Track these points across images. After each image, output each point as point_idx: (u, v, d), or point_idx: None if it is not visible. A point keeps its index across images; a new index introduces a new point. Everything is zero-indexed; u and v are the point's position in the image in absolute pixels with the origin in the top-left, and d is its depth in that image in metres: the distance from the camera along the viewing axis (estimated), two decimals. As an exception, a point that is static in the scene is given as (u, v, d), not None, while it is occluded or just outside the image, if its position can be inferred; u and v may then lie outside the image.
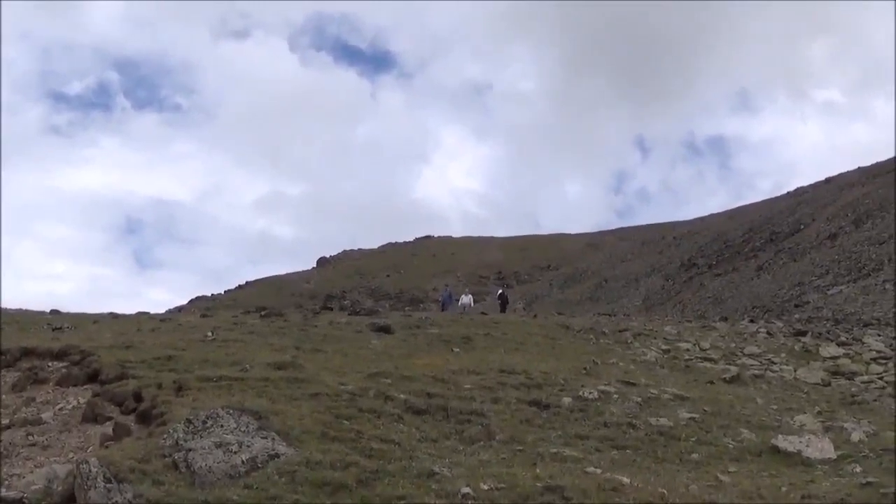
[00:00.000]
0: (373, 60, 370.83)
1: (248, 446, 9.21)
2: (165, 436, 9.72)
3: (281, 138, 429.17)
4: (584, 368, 17.99)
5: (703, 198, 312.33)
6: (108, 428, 12.04)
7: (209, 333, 20.15)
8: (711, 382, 18.11)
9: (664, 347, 22.54)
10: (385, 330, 22.37)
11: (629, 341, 23.45)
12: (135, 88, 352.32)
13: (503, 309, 41.13)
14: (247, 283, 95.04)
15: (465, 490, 8.65)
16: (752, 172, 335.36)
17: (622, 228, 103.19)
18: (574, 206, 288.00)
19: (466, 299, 42.87)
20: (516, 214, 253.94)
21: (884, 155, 72.66)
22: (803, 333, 24.53)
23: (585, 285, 71.39)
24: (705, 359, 21.29)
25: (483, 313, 34.99)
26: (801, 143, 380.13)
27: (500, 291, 44.25)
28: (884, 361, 20.73)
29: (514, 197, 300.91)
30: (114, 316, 28.08)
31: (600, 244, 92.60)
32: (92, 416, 12.76)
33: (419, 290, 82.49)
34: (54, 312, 28.69)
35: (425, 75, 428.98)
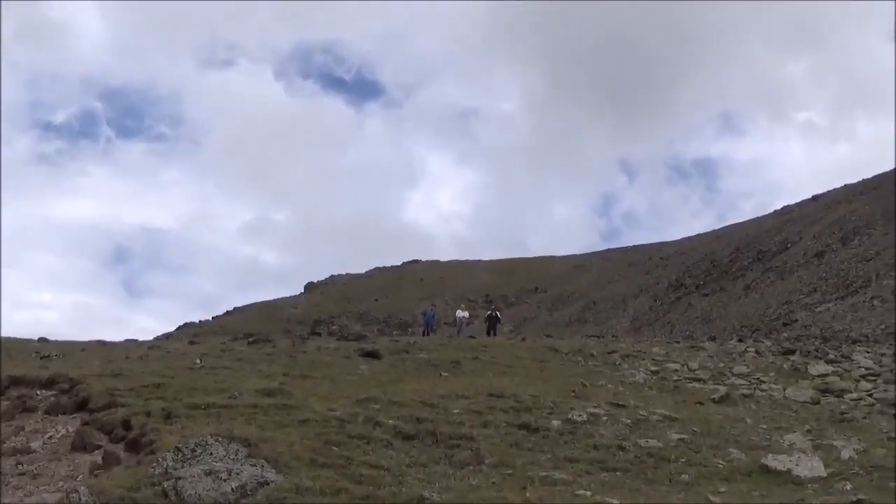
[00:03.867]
0: (359, 88, 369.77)
1: (238, 474, 9.22)
2: (155, 464, 9.73)
3: (267, 166, 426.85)
4: (573, 391, 18.02)
5: (689, 220, 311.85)
6: (97, 456, 12.04)
7: (197, 361, 20.12)
8: (700, 403, 18.15)
9: (653, 368, 22.57)
10: (373, 355, 22.36)
11: (617, 363, 23.45)
12: (122, 118, 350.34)
13: (491, 331, 40.74)
14: (234, 308, 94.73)
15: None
16: (736, 194, 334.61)
17: (609, 250, 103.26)
18: (560, 228, 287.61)
19: (462, 315, 42.63)
20: (503, 237, 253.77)
21: (866, 174, 73.00)
22: (792, 352, 24.60)
23: (573, 307, 71.49)
24: (694, 379, 21.31)
25: (471, 337, 35.00)
26: (783, 164, 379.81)
27: (488, 313, 43.39)
28: (873, 378, 20.76)
29: (500, 220, 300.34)
30: (102, 344, 28.04)
31: (587, 266, 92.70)
32: (81, 445, 12.75)
33: (407, 314, 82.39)
34: (42, 340, 28.60)
35: (411, 102, 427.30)
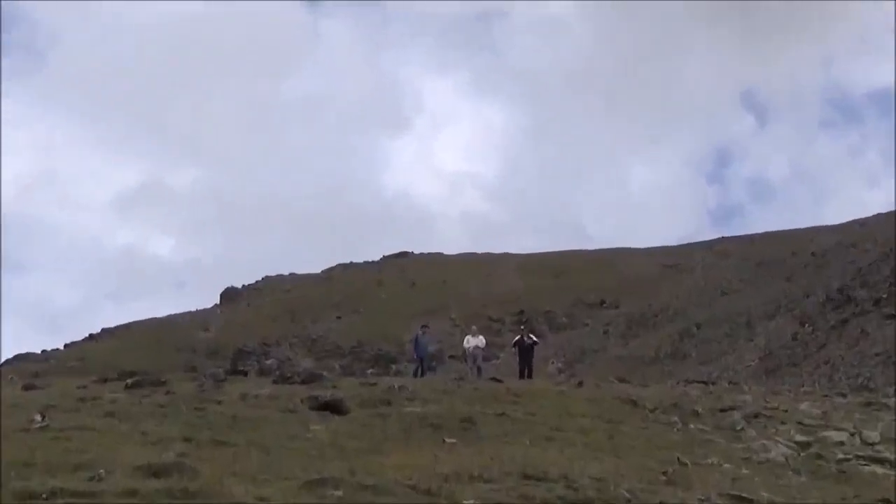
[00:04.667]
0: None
1: None
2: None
3: (161, 98, 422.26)
4: (664, 473, 18.01)
5: (861, 191, 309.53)
6: None
7: (38, 417, 20.12)
8: (887, 501, 18.08)
9: (800, 439, 22.55)
10: (334, 408, 22.42)
11: (739, 428, 23.47)
12: None
13: (525, 369, 41.15)
14: (103, 331, 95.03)
15: None
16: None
17: (723, 240, 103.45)
18: (642, 203, 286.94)
19: (475, 342, 42.43)
20: (547, 217, 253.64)
21: None
22: None
23: (663, 333, 71.47)
24: (873, 459, 21.25)
25: (495, 379, 34.94)
26: None
27: (517, 338, 43.18)
28: None
29: (542, 189, 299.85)
30: None
31: (687, 265, 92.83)
32: None
33: (389, 340, 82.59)
34: None
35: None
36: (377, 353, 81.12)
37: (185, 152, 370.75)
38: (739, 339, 62.75)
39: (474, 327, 47.98)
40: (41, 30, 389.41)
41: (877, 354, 49.09)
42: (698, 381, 37.01)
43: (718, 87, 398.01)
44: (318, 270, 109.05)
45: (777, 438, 22.40)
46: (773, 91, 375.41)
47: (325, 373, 37.78)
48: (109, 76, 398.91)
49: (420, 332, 45.12)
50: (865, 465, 20.84)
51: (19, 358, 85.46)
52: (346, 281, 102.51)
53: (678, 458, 19.40)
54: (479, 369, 40.85)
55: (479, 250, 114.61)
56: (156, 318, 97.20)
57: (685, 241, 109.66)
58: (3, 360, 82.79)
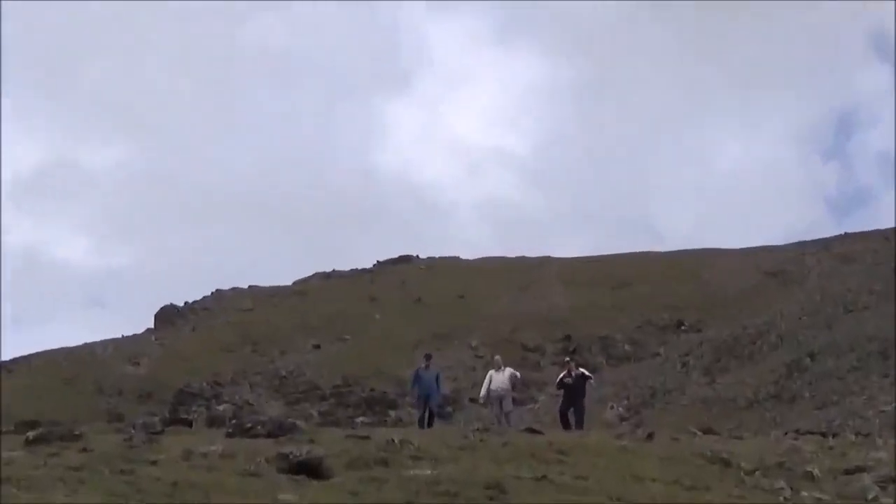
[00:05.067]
0: None
1: None
2: None
3: (73, 50, 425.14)
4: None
5: None
6: None
7: None
8: None
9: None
10: (311, 470, 22.14)
11: (871, 496, 23.16)
12: None
13: (569, 415, 40.61)
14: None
15: None
16: None
17: (847, 237, 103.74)
18: (733, 190, 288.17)
19: (501, 379, 42.14)
20: (603, 209, 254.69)
21: None
22: None
23: (764, 367, 71.46)
24: None
25: (532, 430, 34.65)
26: None
27: (562, 374, 42.85)
28: None
29: (595, 170, 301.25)
30: None
31: (796, 273, 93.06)
32: None
33: (386, 377, 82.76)
34: None
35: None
36: (369, 395, 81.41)
37: (106, 122, 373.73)
38: (871, 375, 62.64)
39: (497, 357, 47.48)
40: None
41: None
42: (813, 432, 36.80)
43: (837, 29, 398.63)
44: (289, 282, 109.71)
45: (929, 514, 22.09)
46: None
47: (298, 422, 37.67)
48: (12, 30, 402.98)
49: (422, 365, 44.35)
50: None
51: None
52: (326, 296, 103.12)
53: (787, 540, 19.04)
54: (507, 416, 40.65)
55: (510, 254, 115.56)
56: (66, 348, 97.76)
57: (793, 241, 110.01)
58: None
